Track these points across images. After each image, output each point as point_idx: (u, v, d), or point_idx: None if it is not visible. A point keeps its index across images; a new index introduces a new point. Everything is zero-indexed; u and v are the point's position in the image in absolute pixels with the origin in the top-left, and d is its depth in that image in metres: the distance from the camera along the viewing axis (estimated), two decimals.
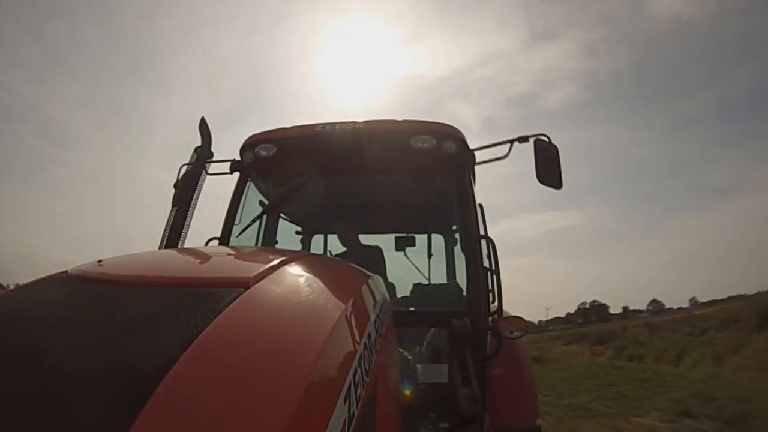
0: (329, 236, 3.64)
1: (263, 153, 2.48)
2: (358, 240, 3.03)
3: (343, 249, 3.02)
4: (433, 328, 2.38)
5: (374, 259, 2.85)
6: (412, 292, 2.95)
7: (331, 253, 3.23)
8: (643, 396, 8.20)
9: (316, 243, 3.63)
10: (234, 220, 2.56)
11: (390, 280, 2.88)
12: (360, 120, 2.45)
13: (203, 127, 2.56)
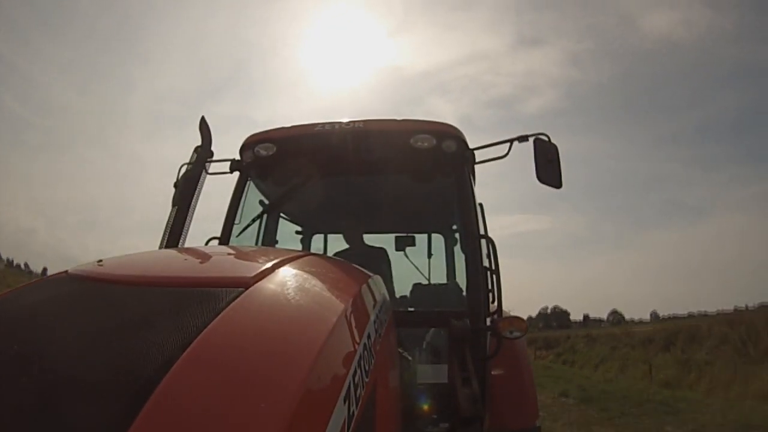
0: (329, 236, 3.64)
1: (263, 152, 2.48)
2: (363, 241, 3.03)
3: (347, 249, 3.02)
4: (433, 328, 2.38)
5: (378, 261, 2.85)
6: (411, 292, 2.94)
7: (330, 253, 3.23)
8: (548, 385, 10.89)
9: (316, 243, 3.63)
10: (234, 219, 2.56)
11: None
12: (360, 119, 2.45)
13: (203, 126, 2.56)
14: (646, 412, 7.26)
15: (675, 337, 12.82)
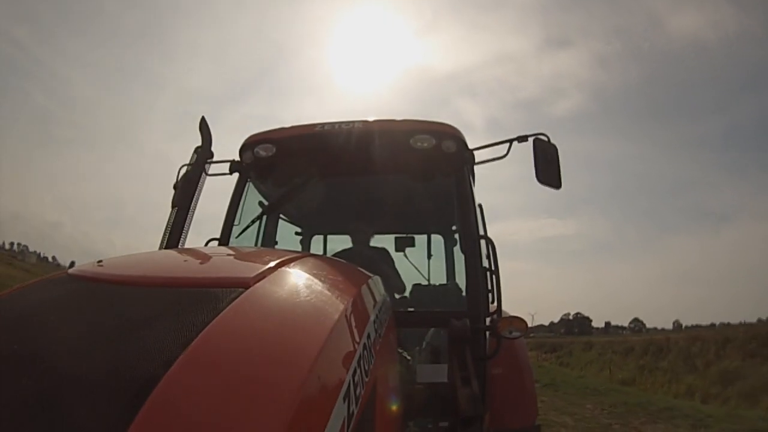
0: (329, 236, 3.64)
1: (263, 153, 2.48)
2: (368, 242, 3.03)
3: (348, 250, 3.02)
4: (432, 328, 2.38)
5: (380, 261, 2.84)
6: (411, 292, 2.95)
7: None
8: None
9: (316, 243, 3.63)
10: (234, 220, 2.56)
11: None
12: (360, 119, 2.45)
13: (203, 126, 2.56)
14: (584, 395, 9.39)
15: (648, 347, 15.89)
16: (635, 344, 17.21)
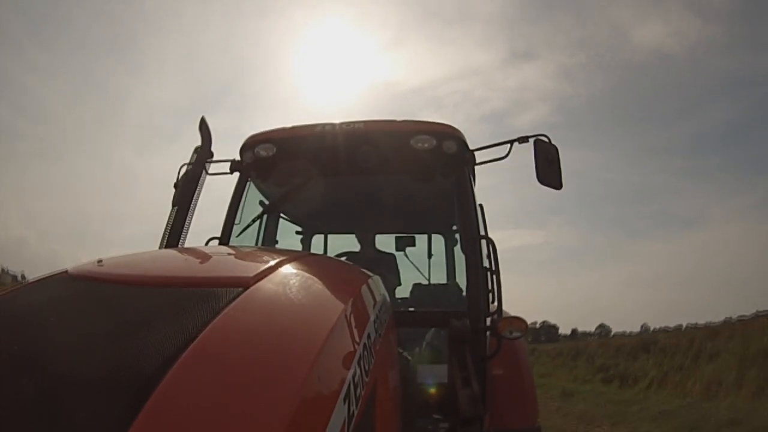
0: (329, 236, 3.64)
1: (263, 153, 2.48)
2: (374, 244, 3.03)
3: (348, 251, 3.02)
4: (433, 328, 2.37)
5: (385, 267, 2.83)
6: (411, 292, 2.94)
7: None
8: None
9: (316, 243, 3.63)
10: (234, 220, 2.56)
11: None
12: (360, 120, 2.45)
13: (203, 126, 2.56)
14: None
15: (586, 350, 17.88)
16: (583, 348, 19.18)
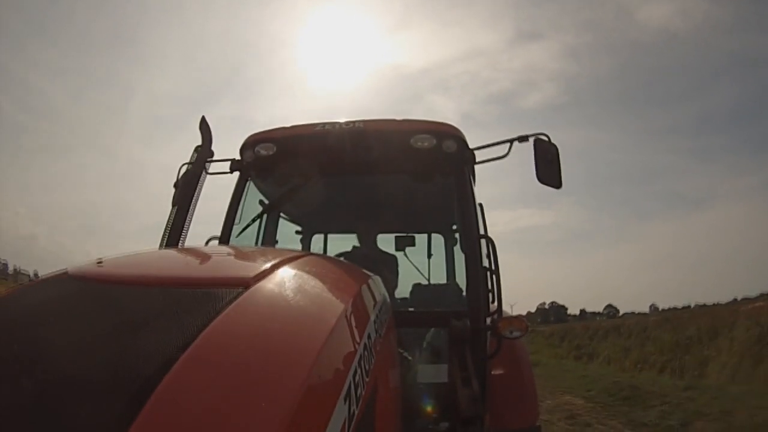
0: (329, 236, 3.64)
1: (263, 152, 2.47)
2: (376, 244, 3.02)
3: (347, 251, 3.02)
4: (433, 328, 2.37)
5: (385, 267, 2.82)
6: (411, 292, 2.94)
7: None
8: None
9: (316, 243, 3.63)
10: (234, 219, 2.56)
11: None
12: (360, 119, 2.45)
13: (203, 126, 2.56)
14: None
15: (572, 331, 20.25)
16: (583, 330, 20.87)
